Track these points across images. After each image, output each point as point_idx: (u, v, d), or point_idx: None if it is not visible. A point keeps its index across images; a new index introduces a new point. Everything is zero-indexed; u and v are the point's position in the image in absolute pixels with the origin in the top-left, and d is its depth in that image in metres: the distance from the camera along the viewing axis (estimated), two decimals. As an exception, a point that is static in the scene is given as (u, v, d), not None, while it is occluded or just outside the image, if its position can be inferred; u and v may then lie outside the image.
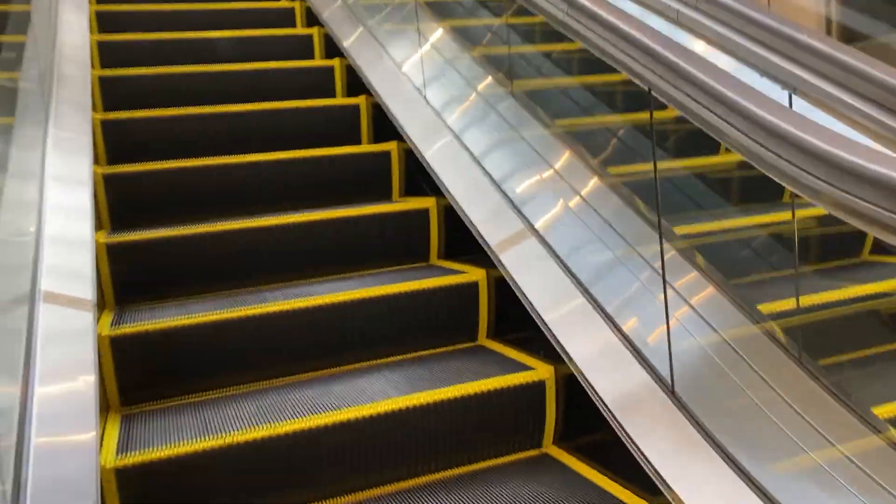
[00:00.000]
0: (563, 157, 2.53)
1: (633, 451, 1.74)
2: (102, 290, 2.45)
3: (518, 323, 2.37)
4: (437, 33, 3.40)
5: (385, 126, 3.23)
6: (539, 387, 2.10)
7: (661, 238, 1.90)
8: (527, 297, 2.20)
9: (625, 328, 1.97)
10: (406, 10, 3.57)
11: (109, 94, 3.36)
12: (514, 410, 2.09)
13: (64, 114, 2.73)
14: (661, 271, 1.98)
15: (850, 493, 1.48)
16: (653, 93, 1.70)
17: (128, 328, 2.15)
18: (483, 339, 2.51)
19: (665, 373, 1.83)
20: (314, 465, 1.90)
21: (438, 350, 2.45)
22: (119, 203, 2.78)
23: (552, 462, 2.06)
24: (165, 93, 3.42)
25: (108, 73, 3.45)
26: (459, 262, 2.70)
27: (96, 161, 2.94)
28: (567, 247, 2.26)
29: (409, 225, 2.79)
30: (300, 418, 1.90)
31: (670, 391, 1.79)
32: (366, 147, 3.26)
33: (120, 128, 3.11)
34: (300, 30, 4.26)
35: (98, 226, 2.70)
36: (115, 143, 3.06)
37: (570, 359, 1.98)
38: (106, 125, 3.06)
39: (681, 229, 2.35)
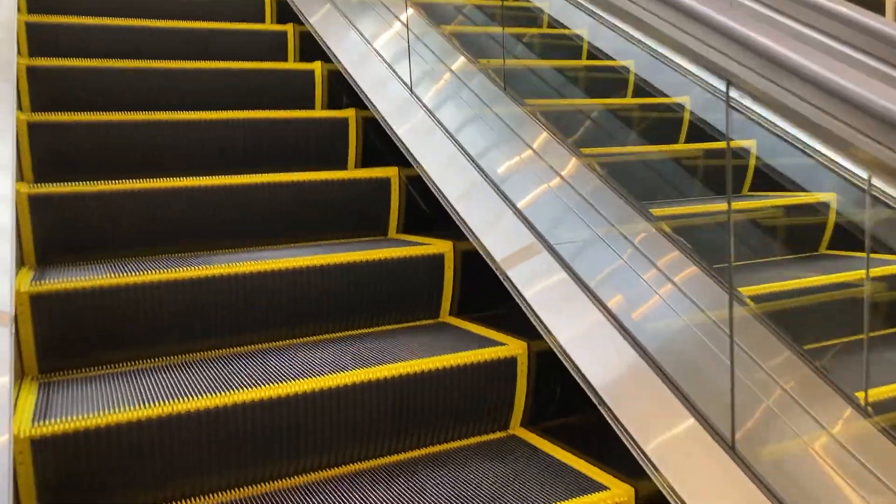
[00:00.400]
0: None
1: (616, 428, 1.61)
2: (23, 247, 2.18)
3: (486, 301, 2.22)
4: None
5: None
6: (511, 363, 1.94)
7: (730, 301, 1.67)
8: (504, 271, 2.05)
9: (610, 305, 1.83)
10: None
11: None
12: (483, 387, 1.93)
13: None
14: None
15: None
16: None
17: (50, 285, 1.90)
18: (447, 317, 2.34)
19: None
20: (254, 443, 1.69)
21: (399, 325, 2.28)
22: (43, 155, 2.50)
23: (520, 443, 1.91)
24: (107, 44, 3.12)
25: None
26: (421, 235, 2.53)
27: (20, 107, 2.66)
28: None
29: (363, 194, 2.60)
30: (240, 390, 1.69)
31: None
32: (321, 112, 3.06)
33: (49, 74, 2.82)
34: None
35: (20, 177, 2.42)
36: (42, 92, 2.77)
37: (551, 334, 1.83)
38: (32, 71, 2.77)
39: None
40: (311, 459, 1.76)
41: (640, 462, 1.55)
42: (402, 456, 1.85)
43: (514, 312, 2.07)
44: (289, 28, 3.54)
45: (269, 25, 3.75)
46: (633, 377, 1.67)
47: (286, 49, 3.50)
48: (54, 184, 2.25)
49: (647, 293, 1.84)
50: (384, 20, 3.14)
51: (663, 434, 1.59)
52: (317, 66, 3.22)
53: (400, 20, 3.04)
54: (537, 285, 1.94)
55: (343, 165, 2.90)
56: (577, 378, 1.72)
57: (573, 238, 2.02)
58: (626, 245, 1.98)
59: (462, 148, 2.40)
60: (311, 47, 3.31)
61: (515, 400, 1.96)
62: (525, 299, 1.92)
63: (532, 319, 1.88)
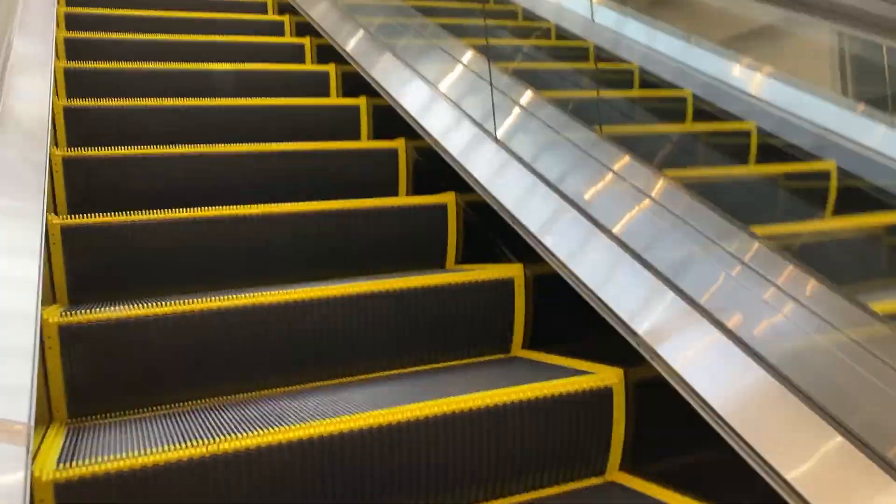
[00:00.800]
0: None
1: (753, 461, 1.32)
2: (54, 281, 1.99)
3: (563, 332, 1.98)
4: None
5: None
6: (605, 394, 1.67)
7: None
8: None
9: (730, 324, 1.56)
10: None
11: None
12: (573, 423, 1.66)
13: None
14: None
15: None
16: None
17: (81, 317, 1.69)
18: (518, 350, 2.09)
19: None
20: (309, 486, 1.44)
21: (465, 361, 2.03)
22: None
23: (622, 491, 1.62)
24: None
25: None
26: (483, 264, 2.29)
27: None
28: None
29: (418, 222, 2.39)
30: (298, 426, 1.45)
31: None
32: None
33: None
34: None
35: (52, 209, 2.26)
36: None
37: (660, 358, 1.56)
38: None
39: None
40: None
41: (786, 496, 1.26)
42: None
43: (601, 341, 1.81)
44: (330, 68, 3.43)
45: (310, 66, 3.65)
46: (766, 400, 1.40)
47: (328, 86, 3.37)
48: (87, 215, 2.07)
49: (768, 310, 1.58)
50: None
51: (807, 461, 1.30)
52: (362, 102, 3.08)
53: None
54: (637, 306, 1.68)
55: (394, 193, 2.71)
56: (696, 405, 1.44)
57: (673, 257, 1.77)
58: (732, 262, 1.72)
59: (540, 175, 2.16)
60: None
61: (613, 437, 1.68)
62: (624, 322, 1.66)
63: (634, 343, 1.62)
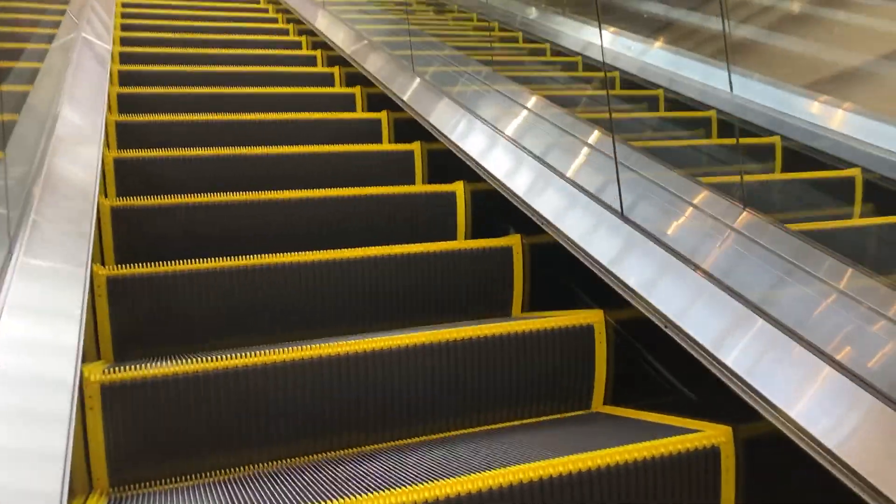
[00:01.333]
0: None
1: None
2: (98, 336, 1.87)
3: (649, 386, 1.77)
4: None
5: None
6: (712, 454, 1.45)
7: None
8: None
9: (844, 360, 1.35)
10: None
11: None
12: (678, 490, 1.44)
13: None
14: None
15: None
16: None
17: (124, 374, 1.55)
18: (600, 406, 1.88)
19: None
20: None
21: (541, 418, 1.83)
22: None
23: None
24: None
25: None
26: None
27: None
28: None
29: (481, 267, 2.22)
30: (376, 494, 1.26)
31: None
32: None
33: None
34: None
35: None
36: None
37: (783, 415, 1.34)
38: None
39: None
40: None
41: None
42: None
43: (695, 396, 1.61)
44: (383, 116, 3.34)
45: (361, 114, 3.57)
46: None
47: (380, 133, 3.27)
48: (135, 265, 1.95)
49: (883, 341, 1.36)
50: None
51: None
52: (416, 147, 2.96)
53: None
54: (740, 350, 1.47)
55: (452, 237, 2.56)
56: (833, 467, 1.22)
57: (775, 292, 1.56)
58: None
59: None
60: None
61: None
62: (727, 368, 1.45)
63: (744, 393, 1.41)
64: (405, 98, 3.20)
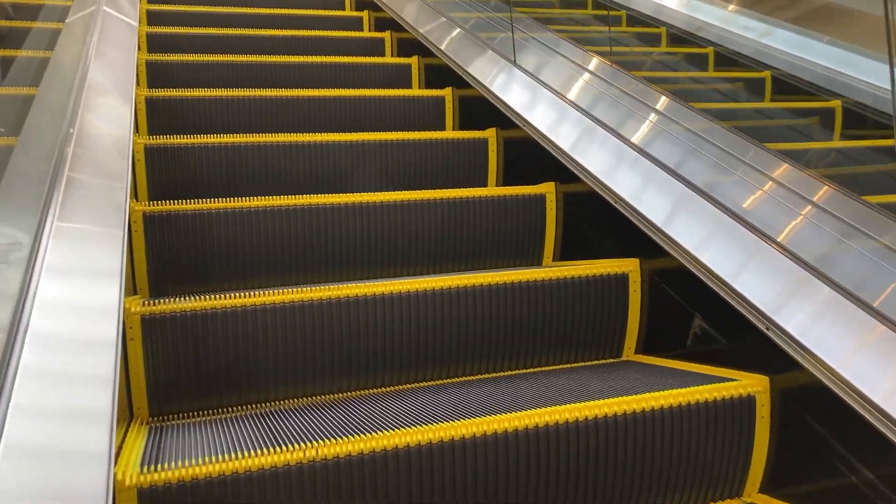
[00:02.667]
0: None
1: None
2: (135, 272, 1.89)
3: (678, 336, 1.76)
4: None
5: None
6: (748, 403, 1.46)
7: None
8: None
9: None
10: None
11: None
12: (711, 437, 1.45)
13: None
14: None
15: None
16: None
17: (165, 306, 1.57)
18: (631, 355, 1.88)
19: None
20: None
21: (571, 364, 1.84)
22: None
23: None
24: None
25: None
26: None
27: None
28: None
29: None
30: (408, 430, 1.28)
31: None
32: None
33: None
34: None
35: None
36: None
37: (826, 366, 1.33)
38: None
39: None
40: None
41: None
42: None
43: (730, 346, 1.60)
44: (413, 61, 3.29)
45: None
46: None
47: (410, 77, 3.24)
48: (171, 202, 1.96)
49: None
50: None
51: None
52: (448, 93, 2.92)
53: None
54: (802, 315, 1.45)
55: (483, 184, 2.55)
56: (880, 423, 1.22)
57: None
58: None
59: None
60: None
61: (753, 456, 1.46)
62: (779, 326, 1.43)
63: (791, 349, 1.40)
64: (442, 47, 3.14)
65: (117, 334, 1.25)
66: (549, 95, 2.46)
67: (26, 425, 0.95)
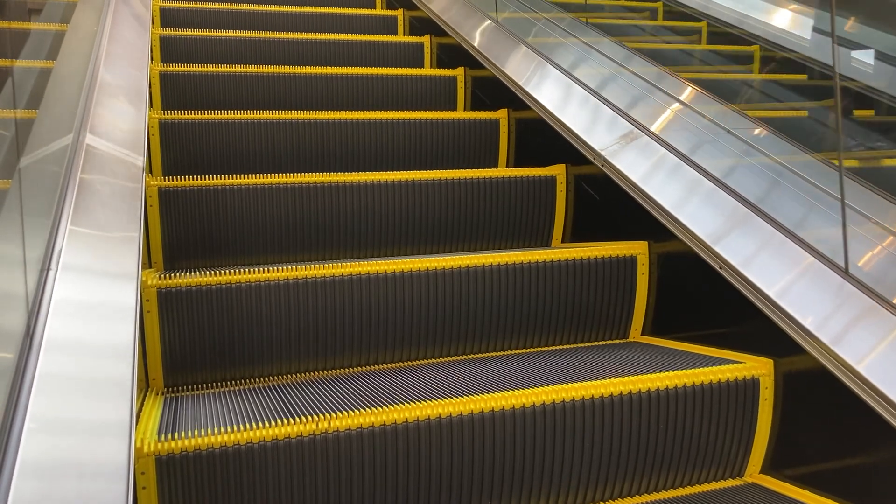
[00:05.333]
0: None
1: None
2: (150, 247, 1.92)
3: (688, 319, 1.78)
4: None
5: None
6: (752, 385, 1.48)
7: None
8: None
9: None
10: None
11: None
12: (715, 418, 1.47)
13: None
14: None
15: None
16: None
17: (181, 280, 1.60)
18: (638, 336, 1.91)
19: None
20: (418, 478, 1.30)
21: (578, 345, 1.87)
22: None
23: (762, 494, 1.44)
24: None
25: None
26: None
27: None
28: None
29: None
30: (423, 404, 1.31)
31: None
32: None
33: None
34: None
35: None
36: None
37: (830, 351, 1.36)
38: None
39: None
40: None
41: None
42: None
43: (735, 329, 1.63)
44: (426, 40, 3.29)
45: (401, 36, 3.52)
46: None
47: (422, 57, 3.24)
48: (186, 177, 1.98)
49: None
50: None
51: None
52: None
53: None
54: (796, 294, 1.48)
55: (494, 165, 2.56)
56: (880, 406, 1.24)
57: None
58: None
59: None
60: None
61: (756, 437, 1.49)
62: (773, 303, 1.46)
63: (789, 328, 1.42)
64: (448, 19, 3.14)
65: (136, 306, 1.29)
66: (559, 75, 2.47)
67: (52, 396, 0.98)
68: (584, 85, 2.35)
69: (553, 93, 2.41)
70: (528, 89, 2.46)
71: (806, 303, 1.45)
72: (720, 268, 1.61)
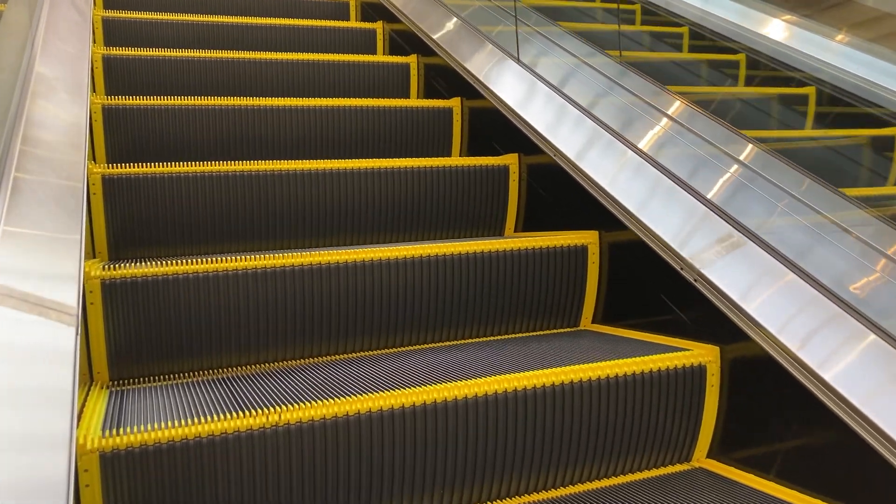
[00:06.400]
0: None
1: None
2: (94, 237, 1.86)
3: (638, 308, 1.81)
4: None
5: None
6: (699, 372, 1.51)
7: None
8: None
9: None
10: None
11: None
12: (660, 404, 1.50)
13: None
14: None
15: None
16: None
17: (125, 271, 1.55)
18: (588, 324, 1.93)
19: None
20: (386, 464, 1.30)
21: (530, 333, 1.88)
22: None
23: (709, 478, 1.47)
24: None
25: None
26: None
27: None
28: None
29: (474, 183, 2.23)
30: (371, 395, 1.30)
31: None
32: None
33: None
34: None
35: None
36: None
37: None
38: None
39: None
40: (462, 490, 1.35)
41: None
42: (559, 492, 1.43)
43: (684, 317, 1.66)
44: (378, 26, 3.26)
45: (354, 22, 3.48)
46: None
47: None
48: (130, 165, 1.93)
49: None
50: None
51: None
52: (413, 60, 2.91)
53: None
54: (745, 283, 1.51)
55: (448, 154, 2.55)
56: (824, 396, 1.28)
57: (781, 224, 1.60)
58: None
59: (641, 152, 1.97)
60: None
61: (703, 422, 1.53)
62: (720, 292, 1.49)
63: (735, 317, 1.45)
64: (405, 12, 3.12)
65: (78, 298, 1.25)
66: (514, 65, 2.47)
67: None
68: (541, 77, 2.35)
69: (507, 83, 2.41)
70: (481, 78, 2.46)
71: (749, 290, 1.48)
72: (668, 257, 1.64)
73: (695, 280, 1.57)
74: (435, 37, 2.83)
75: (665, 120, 2.00)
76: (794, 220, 1.61)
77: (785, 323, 1.39)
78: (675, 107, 2.05)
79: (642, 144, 1.93)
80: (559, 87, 2.26)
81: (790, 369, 1.34)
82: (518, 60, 2.48)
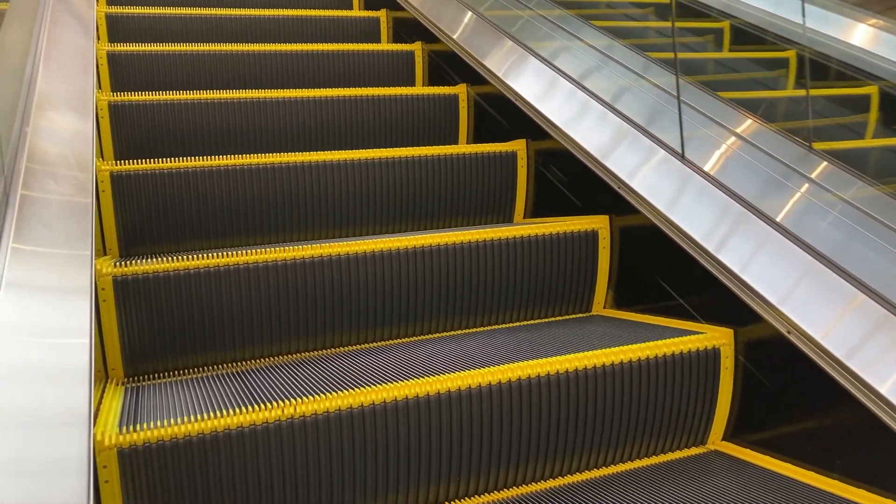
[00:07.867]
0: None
1: None
2: (104, 233, 1.86)
3: (649, 292, 1.80)
4: None
5: None
6: (713, 355, 1.51)
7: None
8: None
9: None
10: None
11: None
12: (676, 388, 1.50)
13: None
14: None
15: None
16: None
17: (137, 267, 1.56)
18: (600, 309, 1.92)
19: None
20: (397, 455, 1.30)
21: (543, 320, 1.88)
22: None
23: (724, 459, 1.47)
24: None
25: None
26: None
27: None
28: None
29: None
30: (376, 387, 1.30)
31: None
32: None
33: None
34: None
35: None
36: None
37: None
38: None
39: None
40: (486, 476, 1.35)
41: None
42: (576, 477, 1.43)
43: (697, 302, 1.65)
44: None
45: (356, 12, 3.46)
46: None
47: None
48: (139, 161, 1.93)
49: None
50: None
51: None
52: (417, 47, 2.89)
53: None
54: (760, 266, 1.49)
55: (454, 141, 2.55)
56: (831, 370, 1.27)
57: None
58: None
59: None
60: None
61: (717, 405, 1.52)
62: (732, 273, 1.48)
63: (753, 301, 1.44)
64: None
65: (90, 294, 1.25)
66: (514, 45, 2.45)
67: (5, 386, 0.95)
68: (544, 59, 2.34)
69: (513, 67, 2.40)
70: (486, 63, 2.44)
71: (766, 273, 1.47)
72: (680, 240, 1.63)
73: (708, 262, 1.56)
74: (441, 26, 2.80)
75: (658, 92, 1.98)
76: (807, 200, 1.59)
77: (799, 303, 1.38)
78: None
79: (652, 127, 1.91)
80: (574, 75, 2.23)
81: (807, 351, 1.33)
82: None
